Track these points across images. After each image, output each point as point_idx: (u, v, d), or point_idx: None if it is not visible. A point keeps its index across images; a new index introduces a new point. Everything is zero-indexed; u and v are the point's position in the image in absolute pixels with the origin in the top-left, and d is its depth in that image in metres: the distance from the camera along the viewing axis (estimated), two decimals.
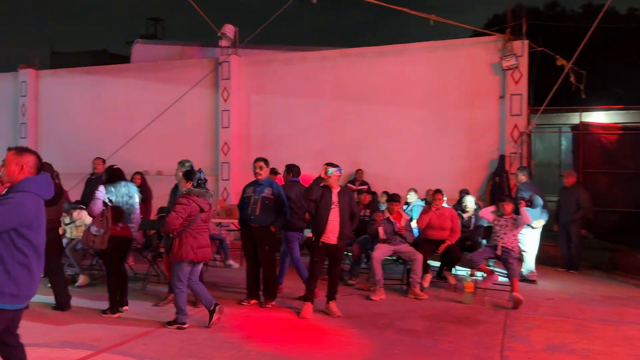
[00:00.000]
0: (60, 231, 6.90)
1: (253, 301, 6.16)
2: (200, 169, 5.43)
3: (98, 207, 5.49)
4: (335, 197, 5.72)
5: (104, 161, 8.16)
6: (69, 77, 13.88)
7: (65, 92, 13.64)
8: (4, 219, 2.78)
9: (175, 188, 6.12)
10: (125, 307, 5.70)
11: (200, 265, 5.52)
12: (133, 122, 12.18)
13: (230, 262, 8.46)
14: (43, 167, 3.14)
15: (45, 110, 13.89)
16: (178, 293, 5.21)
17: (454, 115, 10.53)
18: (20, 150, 3.04)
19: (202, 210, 5.20)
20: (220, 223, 8.86)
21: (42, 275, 3.14)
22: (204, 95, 12.07)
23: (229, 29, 11.73)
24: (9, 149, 3.06)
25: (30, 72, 13.89)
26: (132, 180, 8.40)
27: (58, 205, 5.77)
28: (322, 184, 5.72)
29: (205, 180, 5.37)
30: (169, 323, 5.26)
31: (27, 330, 4.87)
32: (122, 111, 12.87)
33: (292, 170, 6.79)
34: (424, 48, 10.97)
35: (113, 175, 5.68)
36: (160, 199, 10.97)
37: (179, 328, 5.17)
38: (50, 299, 5.84)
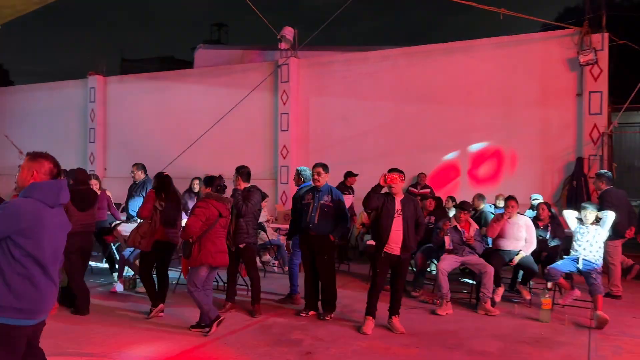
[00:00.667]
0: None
1: (311, 313, 5.90)
2: (220, 174, 5.51)
3: (148, 210, 5.60)
4: (398, 205, 5.35)
5: (138, 167, 8.12)
6: (134, 82, 14.26)
7: (131, 98, 14.02)
8: None
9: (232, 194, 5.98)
10: (162, 305, 5.73)
11: (215, 273, 5.49)
12: (195, 127, 12.31)
13: None
14: (60, 173, 2.96)
15: (113, 115, 14.34)
16: (194, 295, 5.14)
17: (526, 115, 9.86)
18: (35, 156, 2.88)
19: (220, 216, 5.19)
20: (278, 228, 8.68)
21: (56, 287, 2.88)
22: (264, 98, 12.01)
23: (288, 31, 11.60)
24: (27, 154, 2.92)
25: (99, 79, 14.38)
26: (190, 186, 8.41)
27: (91, 210, 5.89)
28: (383, 191, 5.40)
29: (225, 186, 5.42)
30: (193, 326, 5.29)
31: (85, 337, 4.91)
32: (185, 116, 13.04)
33: (303, 175, 6.52)
34: (493, 44, 10.35)
35: (162, 183, 5.78)
36: None
37: (205, 334, 5.10)
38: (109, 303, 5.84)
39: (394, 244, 5.30)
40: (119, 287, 6.87)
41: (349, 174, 9.07)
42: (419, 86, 10.75)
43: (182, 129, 12.83)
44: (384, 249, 5.33)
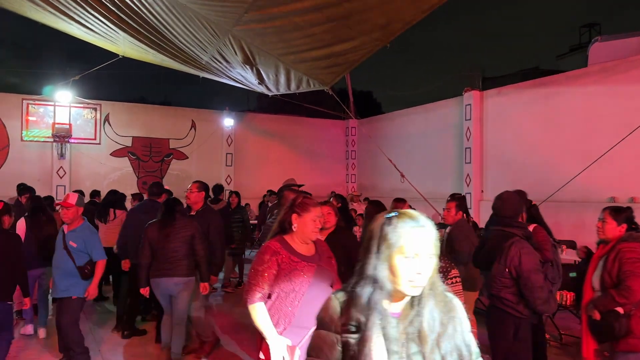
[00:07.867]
0: None
1: None
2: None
3: None
4: None
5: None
6: (514, 94, 12.52)
7: (510, 110, 12.37)
8: None
9: None
10: None
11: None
12: (594, 138, 9.71)
13: None
14: None
15: (490, 132, 12.99)
16: None
17: None
18: None
19: None
20: None
21: None
22: None
23: None
24: None
25: (475, 94, 13.28)
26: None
27: None
28: None
29: None
30: None
31: None
32: (579, 125, 10.54)
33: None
34: None
35: None
36: None
37: None
38: None
39: None
40: None
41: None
42: None
43: (577, 142, 10.37)
44: None
